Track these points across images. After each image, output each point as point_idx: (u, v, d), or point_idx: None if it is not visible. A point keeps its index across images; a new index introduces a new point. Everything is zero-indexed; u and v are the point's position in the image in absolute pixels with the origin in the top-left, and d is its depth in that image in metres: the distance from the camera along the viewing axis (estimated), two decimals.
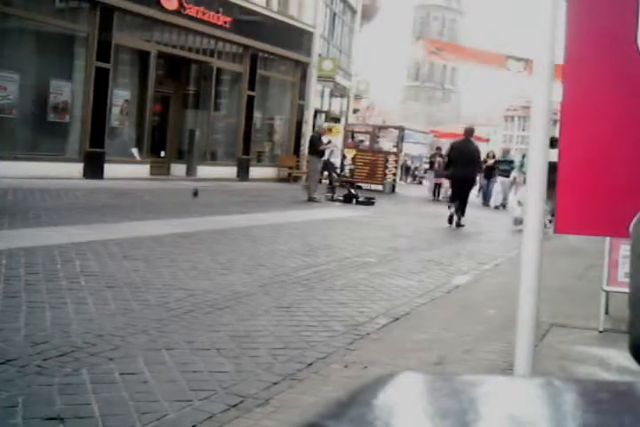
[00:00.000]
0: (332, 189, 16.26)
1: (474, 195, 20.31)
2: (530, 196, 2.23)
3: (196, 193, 12.27)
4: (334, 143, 18.65)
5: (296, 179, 20.59)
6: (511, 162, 18.37)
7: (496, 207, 17.89)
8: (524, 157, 17.70)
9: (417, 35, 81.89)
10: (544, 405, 0.55)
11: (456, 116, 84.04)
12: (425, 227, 11.62)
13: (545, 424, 0.50)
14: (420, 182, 27.74)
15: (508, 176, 17.73)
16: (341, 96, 26.56)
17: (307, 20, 21.45)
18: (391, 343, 4.22)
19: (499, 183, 18.39)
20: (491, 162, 19.04)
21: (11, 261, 5.56)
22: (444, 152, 22.66)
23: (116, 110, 15.29)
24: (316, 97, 23.24)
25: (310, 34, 21.72)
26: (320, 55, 22.52)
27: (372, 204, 14.88)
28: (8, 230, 7.18)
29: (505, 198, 18.30)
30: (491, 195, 18.90)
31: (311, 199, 14.29)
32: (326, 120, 23.57)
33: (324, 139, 15.94)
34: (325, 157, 16.72)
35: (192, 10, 16.50)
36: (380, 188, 20.00)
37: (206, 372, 3.41)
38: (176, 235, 7.84)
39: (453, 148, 12.53)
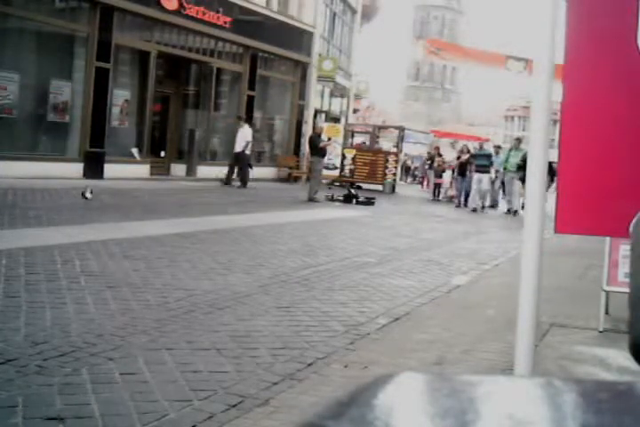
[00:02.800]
0: (243, 184, 16.05)
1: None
2: (530, 196, 2.24)
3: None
4: (334, 139, 18.62)
5: (296, 179, 20.60)
6: (489, 156, 16.88)
7: (474, 210, 15.98)
8: (510, 150, 16.59)
9: (417, 35, 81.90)
10: (544, 405, 0.55)
11: (456, 116, 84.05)
12: (425, 227, 11.62)
13: (545, 424, 0.50)
14: (420, 183, 27.67)
15: (485, 172, 16.40)
16: (341, 96, 26.55)
17: (307, 20, 21.45)
18: (391, 343, 4.22)
19: (475, 181, 16.41)
20: (465, 157, 17.26)
21: (11, 261, 5.56)
22: (442, 151, 22.60)
23: (116, 110, 15.29)
24: (316, 97, 23.23)
25: (310, 34, 21.72)
26: (320, 55, 22.52)
27: (372, 204, 14.88)
28: (8, 230, 7.18)
29: (483, 199, 16.51)
30: (467, 195, 17.05)
31: (311, 199, 14.30)
32: (326, 120, 23.56)
33: (324, 137, 15.95)
34: (239, 149, 16.26)
35: (192, 10, 16.50)
36: (379, 188, 19.99)
37: (206, 372, 3.41)
38: (176, 235, 7.84)
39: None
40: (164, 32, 16.46)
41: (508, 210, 16.03)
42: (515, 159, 15.77)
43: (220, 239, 7.93)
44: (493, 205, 17.56)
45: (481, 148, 17.56)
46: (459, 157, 17.90)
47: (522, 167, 15.26)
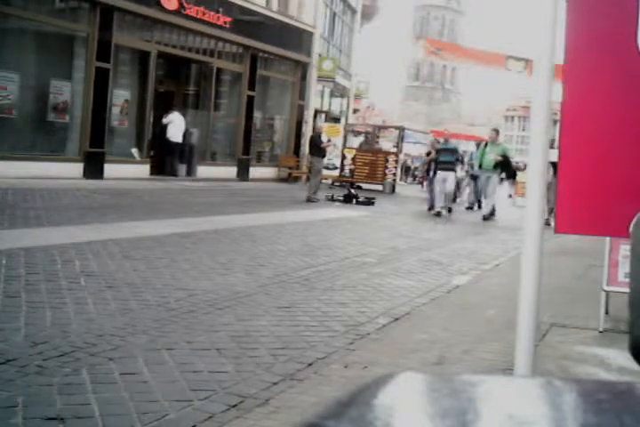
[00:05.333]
0: (173, 171, 16.07)
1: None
2: (530, 196, 2.23)
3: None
4: (334, 141, 18.61)
5: (296, 179, 20.60)
6: (454, 151, 14.56)
7: (437, 213, 13.64)
8: (486, 145, 14.15)
9: (417, 35, 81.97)
10: (544, 405, 0.55)
11: (456, 116, 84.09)
12: (425, 227, 11.62)
13: (545, 424, 0.50)
14: (420, 183, 27.61)
15: (450, 170, 14.03)
16: (341, 96, 26.56)
17: (307, 20, 21.45)
18: (391, 343, 4.22)
19: (438, 180, 14.08)
20: (434, 153, 14.92)
21: (11, 261, 5.56)
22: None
23: (115, 110, 15.28)
24: (316, 97, 23.24)
25: (310, 34, 21.71)
26: (320, 55, 22.52)
27: (372, 204, 14.87)
28: (8, 230, 7.18)
29: (448, 200, 14.14)
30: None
31: (310, 199, 14.30)
32: (326, 120, 23.57)
33: (324, 138, 15.96)
34: (175, 139, 16.45)
35: (192, 10, 16.50)
36: (380, 188, 19.99)
37: (206, 372, 3.41)
38: (176, 235, 7.84)
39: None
40: (164, 32, 16.45)
41: (484, 216, 13.66)
42: (492, 155, 13.63)
43: (219, 239, 7.93)
44: (472, 207, 15.84)
45: (446, 141, 14.83)
46: (428, 153, 15.87)
47: (501, 164, 13.60)
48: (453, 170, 14.25)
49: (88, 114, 14.38)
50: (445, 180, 13.91)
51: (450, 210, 14.25)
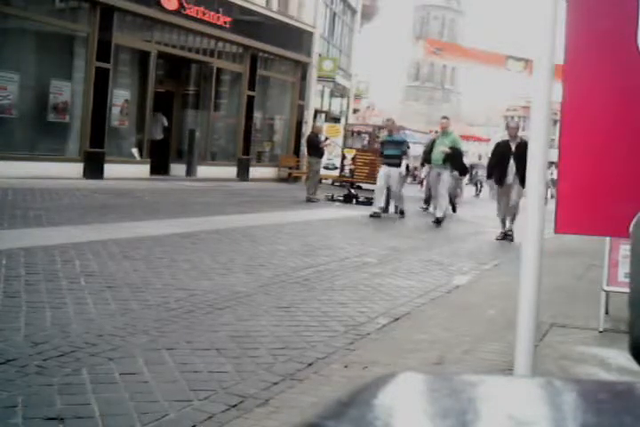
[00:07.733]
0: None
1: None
2: (530, 196, 2.23)
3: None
4: (332, 140, 18.59)
5: (296, 179, 20.61)
6: (400, 143, 12.47)
7: (374, 215, 12.04)
8: (434, 141, 12.31)
9: (417, 35, 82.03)
10: (544, 405, 0.55)
11: (456, 116, 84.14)
12: (425, 227, 11.61)
13: (545, 424, 0.50)
14: (420, 183, 27.57)
15: (396, 165, 12.19)
16: (341, 96, 26.57)
17: (307, 20, 21.45)
18: (391, 343, 4.22)
19: (381, 177, 12.39)
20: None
21: (11, 261, 5.55)
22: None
23: (115, 110, 15.28)
24: (316, 97, 23.24)
25: (310, 34, 21.72)
26: (320, 55, 22.52)
27: (372, 204, 14.85)
28: (8, 230, 7.18)
29: (397, 201, 12.62)
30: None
31: (310, 199, 14.29)
32: (326, 120, 23.56)
33: (322, 137, 15.95)
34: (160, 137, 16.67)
35: (192, 10, 16.51)
36: None
37: (206, 372, 3.41)
38: (176, 235, 7.84)
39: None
40: (164, 32, 16.46)
41: (437, 219, 11.66)
42: (441, 148, 11.55)
43: (220, 239, 7.93)
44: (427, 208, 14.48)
45: (390, 133, 12.85)
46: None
47: (450, 157, 11.45)
48: (398, 165, 12.28)
49: (88, 114, 14.38)
50: (389, 176, 12.25)
51: (402, 212, 12.62)
